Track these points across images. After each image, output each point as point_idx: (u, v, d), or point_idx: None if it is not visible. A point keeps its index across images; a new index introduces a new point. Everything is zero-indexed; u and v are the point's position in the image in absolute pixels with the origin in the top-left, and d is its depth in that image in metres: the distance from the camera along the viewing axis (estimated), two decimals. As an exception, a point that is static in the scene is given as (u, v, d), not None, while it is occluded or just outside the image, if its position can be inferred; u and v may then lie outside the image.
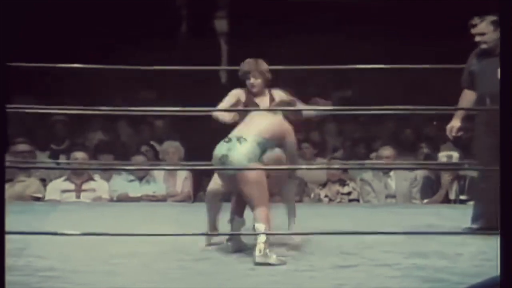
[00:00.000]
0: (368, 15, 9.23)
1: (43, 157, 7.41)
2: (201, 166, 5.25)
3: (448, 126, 5.12)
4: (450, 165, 6.22)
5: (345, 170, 7.06)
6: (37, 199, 6.69)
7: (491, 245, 3.25)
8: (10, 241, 3.94)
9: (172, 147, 7.12)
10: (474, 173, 6.67)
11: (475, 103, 5.06)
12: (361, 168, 7.21)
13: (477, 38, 5.02)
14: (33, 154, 7.13)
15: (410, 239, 4.60)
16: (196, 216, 5.00)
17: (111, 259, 4.11)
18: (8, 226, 3.42)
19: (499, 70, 4.85)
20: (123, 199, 6.76)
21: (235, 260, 4.15)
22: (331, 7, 9.34)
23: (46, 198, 6.73)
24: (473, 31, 5.04)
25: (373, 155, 7.44)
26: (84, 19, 9.00)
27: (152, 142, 7.66)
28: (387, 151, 7.01)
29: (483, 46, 5.01)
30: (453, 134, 5.13)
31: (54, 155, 7.60)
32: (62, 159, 7.43)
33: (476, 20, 5.01)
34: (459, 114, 5.12)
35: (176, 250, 4.38)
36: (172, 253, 4.33)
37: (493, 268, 3.22)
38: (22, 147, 7.07)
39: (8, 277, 3.59)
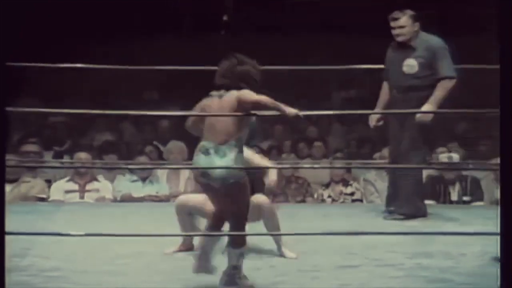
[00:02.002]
0: (371, 15, 9.24)
1: (47, 158, 7.42)
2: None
3: (371, 116, 5.54)
4: (452, 165, 6.21)
5: (348, 170, 7.05)
6: (42, 199, 6.69)
7: (495, 245, 3.25)
8: (15, 241, 3.96)
9: (176, 147, 7.13)
10: (476, 173, 6.69)
11: (389, 93, 5.46)
12: (365, 168, 7.20)
13: (397, 31, 5.37)
14: (41, 155, 7.14)
15: (414, 239, 4.60)
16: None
17: (115, 260, 4.12)
18: (12, 227, 3.43)
19: (405, 63, 5.31)
20: (127, 199, 6.77)
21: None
22: (333, 7, 9.35)
23: (50, 198, 6.73)
24: (393, 24, 5.38)
25: (376, 155, 7.43)
26: (85, 19, 9.02)
27: (156, 143, 7.66)
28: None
29: (401, 38, 5.35)
30: (374, 123, 5.54)
31: (57, 156, 7.62)
32: (66, 160, 7.44)
33: (397, 14, 5.37)
34: (379, 104, 5.51)
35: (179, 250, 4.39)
36: (176, 253, 4.34)
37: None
38: (30, 147, 7.08)
39: (13, 277, 3.61)
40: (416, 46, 5.33)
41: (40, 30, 8.87)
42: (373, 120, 5.55)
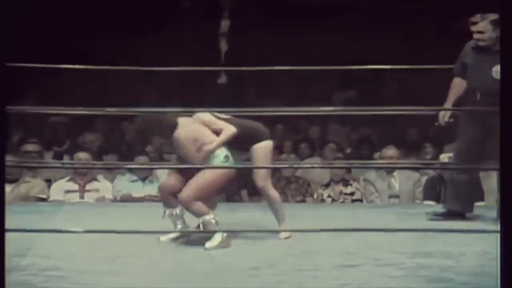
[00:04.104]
0: (373, 15, 9.25)
1: (47, 158, 7.43)
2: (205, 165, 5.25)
3: (441, 113, 5.29)
4: (453, 165, 6.21)
5: (348, 170, 7.06)
6: (42, 199, 6.70)
7: (495, 245, 3.26)
8: (15, 241, 3.97)
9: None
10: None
11: (465, 95, 5.24)
12: (365, 167, 7.21)
13: (476, 36, 5.19)
14: (41, 155, 7.15)
15: (414, 238, 4.61)
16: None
17: (115, 259, 4.12)
18: (12, 226, 3.43)
19: (494, 68, 5.09)
20: (127, 199, 6.77)
21: (239, 260, 4.16)
22: (334, 6, 9.36)
23: (50, 198, 6.74)
24: (472, 28, 5.19)
25: (376, 155, 7.44)
26: (86, 19, 9.02)
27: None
28: (390, 151, 7.01)
29: (481, 43, 5.17)
30: (445, 120, 5.30)
31: (57, 156, 7.63)
32: (66, 160, 7.45)
33: (476, 18, 5.16)
34: (450, 101, 5.29)
35: (180, 250, 4.40)
36: (177, 253, 4.34)
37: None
38: (30, 147, 7.09)
39: (13, 277, 3.61)
40: None
41: (40, 30, 8.88)
42: (445, 117, 5.28)
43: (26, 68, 5.18)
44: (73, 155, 7.09)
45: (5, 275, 3.20)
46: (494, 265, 3.44)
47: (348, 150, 7.94)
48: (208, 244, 4.42)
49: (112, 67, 5.24)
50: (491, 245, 4.21)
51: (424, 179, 6.92)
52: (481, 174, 6.32)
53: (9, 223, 3.30)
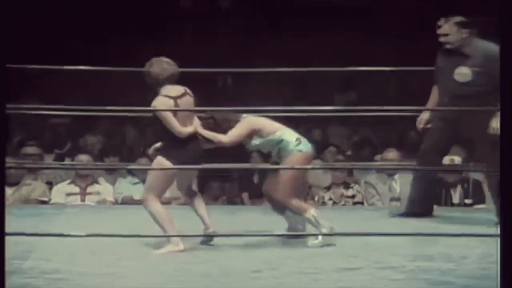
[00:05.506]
0: (373, 15, 9.26)
1: (48, 160, 7.44)
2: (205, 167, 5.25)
3: (418, 118, 5.40)
4: (454, 167, 6.21)
5: (349, 173, 7.05)
6: (43, 202, 6.70)
7: (496, 247, 3.26)
8: (16, 243, 3.98)
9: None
10: (478, 176, 6.69)
11: (439, 99, 5.31)
12: (366, 169, 7.20)
13: (442, 39, 5.24)
14: (41, 158, 7.16)
15: (415, 241, 4.61)
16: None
17: (117, 262, 4.13)
18: (14, 229, 3.44)
19: (456, 71, 5.15)
20: (128, 201, 6.77)
21: (240, 263, 4.16)
22: (334, 7, 9.37)
23: (51, 201, 6.74)
24: (438, 31, 5.25)
25: (377, 157, 7.44)
26: (87, 20, 9.03)
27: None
28: (391, 153, 7.01)
29: (447, 46, 5.22)
30: (421, 126, 5.41)
31: (58, 159, 7.63)
32: (67, 162, 7.46)
33: (441, 21, 5.22)
34: (429, 107, 5.37)
35: (181, 252, 4.39)
36: (177, 255, 4.34)
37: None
38: (30, 149, 7.10)
39: (15, 280, 3.62)
40: (470, 53, 5.12)
41: (40, 31, 8.89)
42: (421, 123, 5.38)
43: (27, 69, 5.18)
44: (74, 157, 7.11)
45: (6, 277, 3.20)
46: (495, 268, 3.45)
47: (349, 153, 7.94)
48: (311, 242, 4.53)
49: (114, 68, 5.25)
50: (492, 247, 4.21)
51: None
52: (482, 176, 6.35)
53: (10, 226, 3.30)
